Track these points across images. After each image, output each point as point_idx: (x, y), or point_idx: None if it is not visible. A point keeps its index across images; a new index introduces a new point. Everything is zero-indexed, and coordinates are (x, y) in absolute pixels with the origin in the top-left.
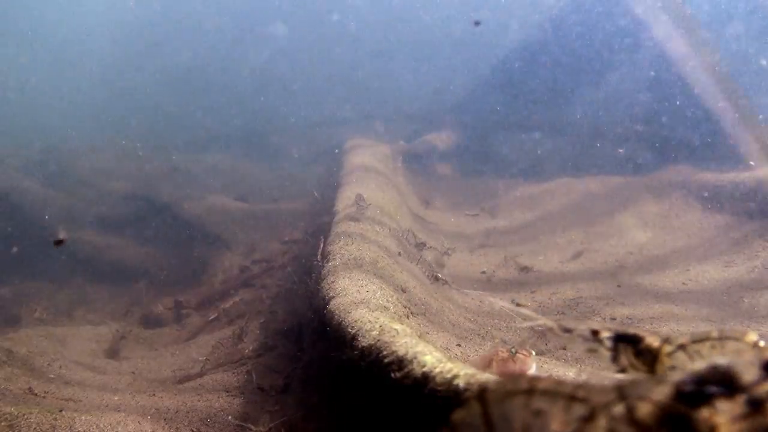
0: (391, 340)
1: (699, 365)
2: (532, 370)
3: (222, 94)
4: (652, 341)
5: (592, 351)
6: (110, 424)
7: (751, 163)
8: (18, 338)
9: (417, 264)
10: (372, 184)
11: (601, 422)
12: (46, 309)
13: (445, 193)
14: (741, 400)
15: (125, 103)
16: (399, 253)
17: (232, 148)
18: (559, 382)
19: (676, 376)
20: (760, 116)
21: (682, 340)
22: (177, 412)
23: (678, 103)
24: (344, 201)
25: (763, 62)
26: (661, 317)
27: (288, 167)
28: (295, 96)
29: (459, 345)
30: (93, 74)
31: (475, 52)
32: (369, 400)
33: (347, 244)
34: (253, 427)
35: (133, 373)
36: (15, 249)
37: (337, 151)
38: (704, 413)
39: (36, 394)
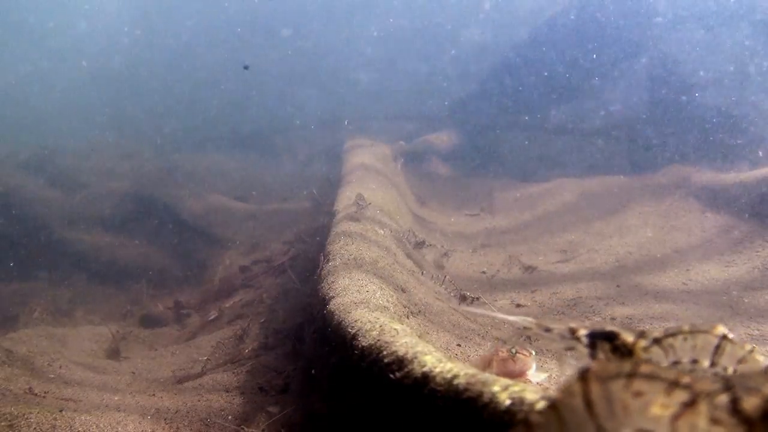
0: (392, 340)
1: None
2: (533, 370)
3: (222, 94)
4: (627, 337)
5: (570, 348)
6: (110, 424)
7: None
8: (18, 338)
9: (433, 280)
10: (372, 184)
11: (703, 409)
12: (46, 309)
13: (445, 193)
14: None
15: (125, 103)
16: (422, 273)
17: (233, 148)
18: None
19: None
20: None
21: (656, 334)
22: (177, 412)
23: (678, 103)
24: (344, 201)
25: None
26: (661, 317)
27: (288, 167)
28: (295, 96)
29: (459, 345)
30: (93, 74)
31: (476, 52)
32: (369, 400)
33: (347, 244)
34: (249, 428)
35: (133, 373)
36: (15, 249)
37: (337, 151)
38: None
39: (36, 394)
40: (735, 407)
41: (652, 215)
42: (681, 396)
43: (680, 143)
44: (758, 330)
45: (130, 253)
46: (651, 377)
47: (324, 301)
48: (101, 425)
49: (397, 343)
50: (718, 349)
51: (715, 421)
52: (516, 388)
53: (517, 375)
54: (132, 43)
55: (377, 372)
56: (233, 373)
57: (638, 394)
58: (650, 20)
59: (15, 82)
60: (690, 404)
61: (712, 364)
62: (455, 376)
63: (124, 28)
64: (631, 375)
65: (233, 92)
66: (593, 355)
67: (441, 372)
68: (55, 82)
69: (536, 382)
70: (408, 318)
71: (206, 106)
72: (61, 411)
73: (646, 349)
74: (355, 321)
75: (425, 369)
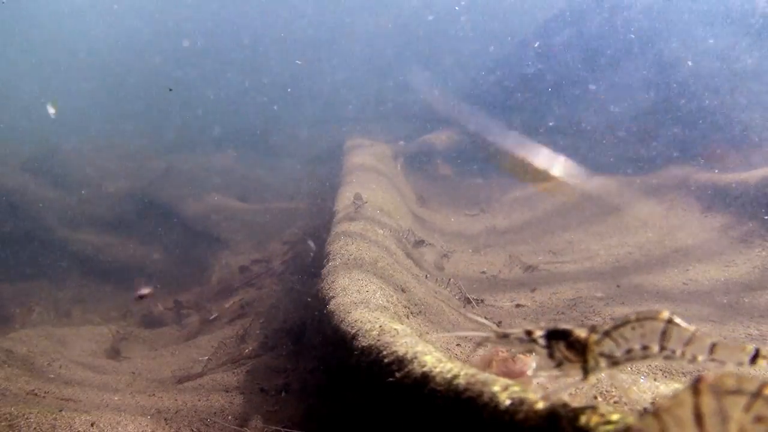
0: (391, 339)
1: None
2: (532, 370)
3: (222, 95)
4: (580, 333)
5: (530, 350)
6: (110, 424)
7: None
8: (18, 338)
9: (438, 284)
10: (372, 184)
11: None
12: (45, 309)
13: (445, 193)
14: None
15: (125, 103)
16: (426, 276)
17: (233, 148)
18: None
19: None
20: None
21: (606, 327)
22: (177, 412)
23: (678, 103)
24: (344, 201)
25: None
26: None
27: (288, 167)
28: (296, 96)
29: (459, 345)
30: (93, 74)
31: (476, 52)
32: (369, 399)
33: (347, 244)
34: (250, 428)
35: (133, 373)
36: (15, 249)
37: (337, 151)
38: None
39: (36, 394)
40: None
41: (653, 215)
42: None
43: (680, 143)
44: (758, 330)
45: (130, 253)
46: None
47: (324, 301)
48: (101, 425)
49: (397, 343)
50: (665, 334)
51: None
52: (516, 388)
53: (517, 375)
54: (133, 43)
55: (377, 372)
56: (233, 373)
57: (760, 420)
58: (650, 20)
59: (15, 82)
60: None
61: (662, 348)
62: (455, 376)
63: (126, 29)
64: (756, 395)
65: (233, 92)
66: (551, 354)
67: (441, 372)
68: (55, 83)
69: (536, 381)
70: (408, 318)
71: (206, 106)
72: (61, 411)
73: (598, 342)
74: (355, 321)
75: (425, 369)
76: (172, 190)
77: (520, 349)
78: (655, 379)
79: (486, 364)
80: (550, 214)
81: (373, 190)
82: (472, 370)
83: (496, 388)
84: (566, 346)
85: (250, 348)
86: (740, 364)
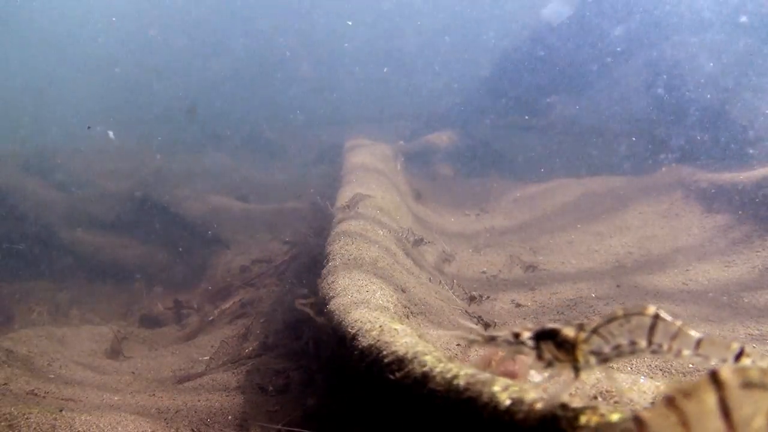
0: (391, 339)
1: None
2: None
3: (222, 94)
4: (568, 332)
5: (519, 352)
6: (110, 424)
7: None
8: (18, 338)
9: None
10: (372, 184)
11: None
12: (45, 309)
13: (445, 193)
14: None
15: (125, 103)
16: (429, 279)
17: (233, 147)
18: None
19: None
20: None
21: (594, 324)
22: (177, 412)
23: (678, 103)
24: (344, 201)
25: None
26: None
27: (288, 167)
28: (296, 96)
29: (459, 345)
30: (93, 74)
31: (476, 52)
32: (369, 400)
33: (347, 244)
34: (249, 428)
35: (133, 373)
36: (15, 249)
37: (337, 151)
38: None
39: (36, 394)
40: None
41: (652, 215)
42: None
43: (680, 143)
44: (758, 330)
45: (130, 253)
46: None
47: (324, 301)
48: (101, 425)
49: (397, 343)
50: (652, 329)
51: None
52: (516, 388)
53: (517, 375)
54: (133, 43)
55: (377, 372)
56: (233, 373)
57: None
58: (650, 20)
59: (15, 82)
60: None
61: (649, 343)
62: (455, 376)
63: (127, 29)
64: None
65: (234, 93)
66: (540, 356)
67: (441, 372)
68: (55, 83)
69: (536, 381)
70: (408, 318)
71: (207, 106)
72: (61, 411)
73: (586, 340)
74: (355, 321)
75: (425, 369)
76: (173, 190)
77: (508, 351)
78: (652, 378)
79: (486, 364)
80: (550, 215)
81: (374, 190)
82: (472, 370)
83: (496, 388)
84: (555, 345)
85: (251, 348)
86: (724, 360)
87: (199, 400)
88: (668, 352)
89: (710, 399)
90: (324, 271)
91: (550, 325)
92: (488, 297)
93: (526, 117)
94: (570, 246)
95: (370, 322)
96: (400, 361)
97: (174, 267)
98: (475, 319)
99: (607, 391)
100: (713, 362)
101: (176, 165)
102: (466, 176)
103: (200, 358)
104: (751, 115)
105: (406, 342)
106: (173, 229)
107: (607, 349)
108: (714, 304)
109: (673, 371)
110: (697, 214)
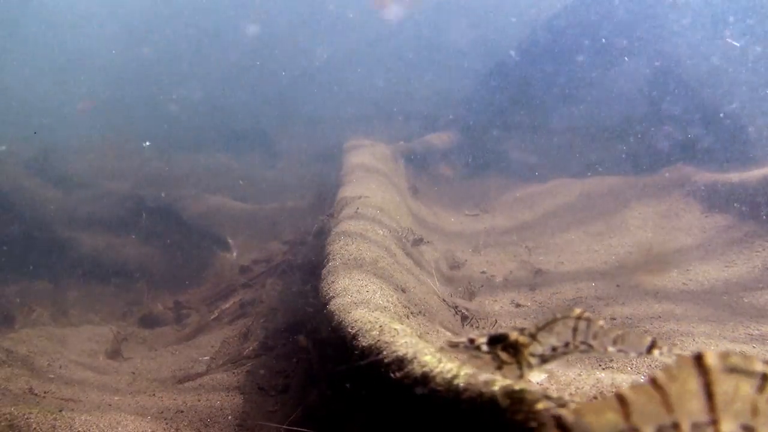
0: (391, 340)
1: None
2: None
3: (222, 94)
4: (512, 335)
5: (475, 357)
6: (110, 424)
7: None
8: (18, 338)
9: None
10: (372, 184)
11: None
12: (45, 309)
13: (445, 193)
14: None
15: (125, 103)
16: (421, 271)
17: (233, 147)
18: None
19: None
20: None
21: (531, 330)
22: (177, 412)
23: (678, 102)
24: (342, 201)
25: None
26: (661, 317)
27: (288, 167)
28: (296, 96)
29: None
30: (93, 74)
31: (476, 52)
32: (369, 400)
33: (347, 244)
34: (249, 428)
35: (133, 373)
36: (15, 249)
37: (337, 151)
38: None
39: (36, 394)
40: None
41: (653, 215)
42: None
43: (681, 143)
44: (758, 330)
45: (130, 253)
46: None
47: (324, 301)
48: (101, 425)
49: (397, 343)
50: (585, 330)
51: None
52: (516, 388)
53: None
54: (133, 43)
55: (377, 372)
56: (233, 373)
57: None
58: (650, 20)
59: (15, 82)
60: None
61: (580, 343)
62: (455, 376)
63: (127, 29)
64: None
65: (234, 93)
66: (495, 358)
67: (441, 372)
68: (56, 83)
69: (536, 382)
70: (408, 318)
71: (206, 106)
72: (61, 411)
73: (527, 344)
74: (355, 321)
75: (425, 369)
76: (172, 190)
77: (467, 355)
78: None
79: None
80: (550, 215)
81: (374, 190)
82: (471, 370)
83: (495, 388)
84: (503, 348)
85: (251, 348)
86: (640, 353)
87: (199, 400)
88: (596, 350)
89: (694, 382)
90: (324, 271)
91: (501, 330)
92: (481, 287)
93: (526, 117)
94: (570, 246)
95: (370, 322)
96: (400, 361)
97: (174, 267)
98: (454, 310)
99: (607, 391)
100: (631, 355)
101: (177, 165)
102: (466, 176)
103: (200, 358)
104: (751, 115)
105: (406, 342)
106: (173, 229)
107: (546, 351)
108: (714, 304)
109: None
110: (697, 214)
